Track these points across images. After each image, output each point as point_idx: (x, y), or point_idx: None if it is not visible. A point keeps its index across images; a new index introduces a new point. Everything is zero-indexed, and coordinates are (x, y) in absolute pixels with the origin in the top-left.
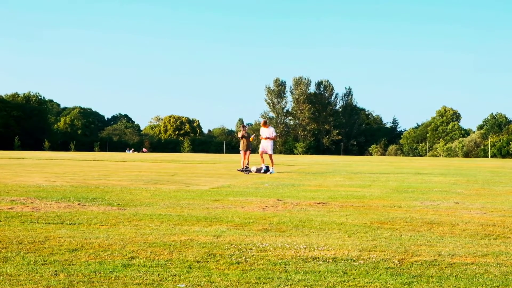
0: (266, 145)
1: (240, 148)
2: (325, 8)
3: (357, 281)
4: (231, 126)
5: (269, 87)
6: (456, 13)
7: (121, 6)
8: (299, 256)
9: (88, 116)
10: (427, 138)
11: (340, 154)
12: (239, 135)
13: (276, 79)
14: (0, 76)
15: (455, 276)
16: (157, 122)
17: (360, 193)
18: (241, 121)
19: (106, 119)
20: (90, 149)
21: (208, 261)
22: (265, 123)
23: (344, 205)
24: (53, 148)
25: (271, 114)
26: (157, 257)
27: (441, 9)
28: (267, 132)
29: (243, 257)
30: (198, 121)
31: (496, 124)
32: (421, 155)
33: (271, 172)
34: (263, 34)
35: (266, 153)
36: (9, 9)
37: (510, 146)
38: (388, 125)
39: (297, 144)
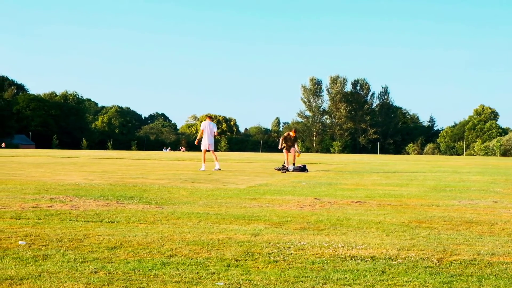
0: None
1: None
2: (361, 6)
3: (395, 280)
4: (268, 125)
5: (305, 86)
6: (492, 13)
7: (163, 7)
8: (337, 255)
9: (126, 115)
10: (465, 137)
11: (377, 153)
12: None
13: (312, 78)
14: (38, 75)
15: (495, 275)
16: (194, 121)
17: (398, 192)
18: (294, 128)
19: (143, 118)
20: (128, 148)
21: (246, 260)
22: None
23: (382, 204)
24: (90, 147)
25: (307, 113)
26: (195, 255)
27: (474, 8)
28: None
29: (281, 256)
30: (235, 120)
31: None
32: (458, 154)
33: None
34: (299, 33)
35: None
36: (43, 8)
37: None
38: (425, 123)
39: (334, 143)
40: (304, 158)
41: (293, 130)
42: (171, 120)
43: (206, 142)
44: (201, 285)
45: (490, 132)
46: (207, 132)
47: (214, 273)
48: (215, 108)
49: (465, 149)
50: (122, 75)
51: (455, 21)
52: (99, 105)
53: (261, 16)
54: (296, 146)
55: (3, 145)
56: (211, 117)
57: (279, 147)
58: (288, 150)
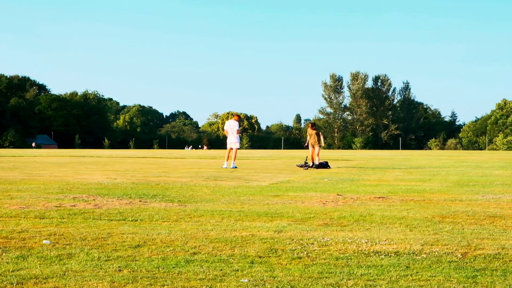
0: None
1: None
2: (381, 2)
3: (420, 275)
4: (289, 122)
5: (325, 83)
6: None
7: (187, 7)
8: (360, 251)
9: (147, 114)
10: (487, 132)
11: (399, 149)
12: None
13: (333, 74)
14: (59, 75)
15: None
16: (215, 119)
17: (421, 187)
18: (313, 122)
19: (164, 116)
20: (149, 146)
21: (270, 256)
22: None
23: (405, 199)
24: (112, 146)
25: (329, 110)
26: (219, 253)
27: (495, 4)
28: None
29: (305, 252)
30: (256, 117)
31: None
32: (480, 149)
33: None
34: (319, 29)
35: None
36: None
37: None
38: (447, 119)
39: (355, 139)
40: (326, 154)
41: (309, 124)
42: (192, 119)
43: (231, 141)
44: (225, 282)
45: None
46: (230, 131)
47: (238, 270)
48: (236, 106)
49: (487, 144)
50: (144, 74)
51: (474, 18)
52: (121, 104)
53: (282, 13)
54: (320, 139)
55: (33, 144)
56: (239, 116)
57: (305, 145)
58: (313, 147)
